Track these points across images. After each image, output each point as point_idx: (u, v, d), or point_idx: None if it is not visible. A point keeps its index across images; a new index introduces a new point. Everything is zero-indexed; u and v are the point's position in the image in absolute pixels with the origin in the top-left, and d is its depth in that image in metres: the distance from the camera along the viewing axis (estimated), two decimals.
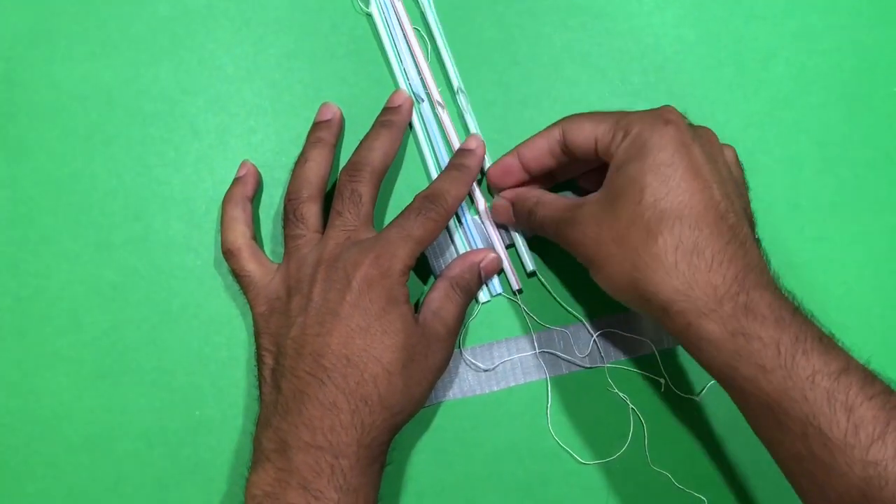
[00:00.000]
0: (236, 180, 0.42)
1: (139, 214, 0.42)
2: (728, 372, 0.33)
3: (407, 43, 0.44)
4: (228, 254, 0.40)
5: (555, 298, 0.43)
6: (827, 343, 0.32)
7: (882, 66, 0.46)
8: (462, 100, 0.44)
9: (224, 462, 0.41)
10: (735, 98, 0.45)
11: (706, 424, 0.43)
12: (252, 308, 0.39)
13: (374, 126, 0.42)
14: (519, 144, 0.41)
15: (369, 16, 0.44)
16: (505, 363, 0.43)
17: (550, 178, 0.43)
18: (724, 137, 0.42)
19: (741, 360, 0.32)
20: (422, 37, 0.44)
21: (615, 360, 0.43)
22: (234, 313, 0.42)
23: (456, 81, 0.44)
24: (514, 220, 0.42)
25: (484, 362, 0.43)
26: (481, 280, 0.42)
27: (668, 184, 0.34)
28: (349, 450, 0.35)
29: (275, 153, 0.43)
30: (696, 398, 0.43)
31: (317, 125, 0.42)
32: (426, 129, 0.44)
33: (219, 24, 0.44)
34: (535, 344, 0.43)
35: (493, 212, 0.43)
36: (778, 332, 0.32)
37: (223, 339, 0.42)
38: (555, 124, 0.40)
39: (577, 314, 0.43)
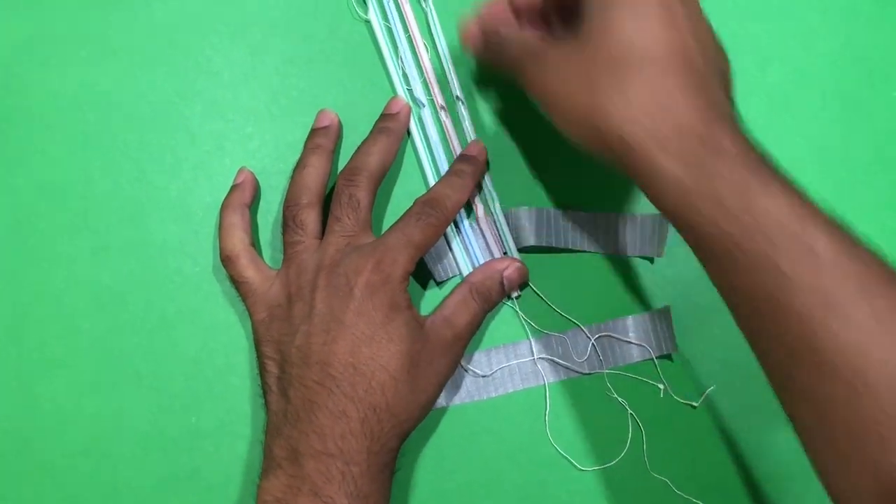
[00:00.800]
0: (234, 187, 0.42)
1: (136, 220, 0.42)
2: (686, 211, 0.31)
3: (412, 46, 0.44)
4: (227, 260, 0.40)
5: (550, 306, 0.43)
6: (793, 185, 0.31)
7: (881, 70, 0.46)
8: (461, 108, 0.43)
9: (221, 469, 0.41)
10: None
11: (705, 430, 0.43)
12: (251, 315, 0.39)
13: (371, 132, 0.42)
14: None
15: (367, 22, 0.44)
16: (503, 369, 0.43)
17: None
18: None
19: (699, 195, 0.31)
20: (422, 44, 0.44)
21: (614, 366, 0.43)
22: (232, 320, 0.42)
23: (455, 89, 0.43)
24: (481, 49, 0.40)
25: (482, 368, 0.43)
26: (504, 289, 0.41)
27: (641, 22, 0.33)
28: (359, 457, 0.35)
29: (272, 159, 0.43)
30: (695, 404, 0.43)
31: (315, 131, 0.42)
32: (425, 134, 0.44)
33: (216, 29, 0.44)
34: (533, 350, 0.43)
35: (462, 36, 0.40)
36: (739, 167, 0.30)
37: (220, 345, 0.42)
38: None
39: (574, 320, 0.43)
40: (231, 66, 0.44)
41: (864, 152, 0.45)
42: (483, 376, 0.43)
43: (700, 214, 0.31)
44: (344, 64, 0.44)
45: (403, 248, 0.37)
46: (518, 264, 0.42)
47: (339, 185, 0.40)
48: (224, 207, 0.41)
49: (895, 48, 0.46)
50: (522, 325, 0.43)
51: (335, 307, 0.37)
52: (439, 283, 0.43)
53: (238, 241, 0.40)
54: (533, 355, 0.43)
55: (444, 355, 0.38)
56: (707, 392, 0.43)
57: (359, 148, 0.41)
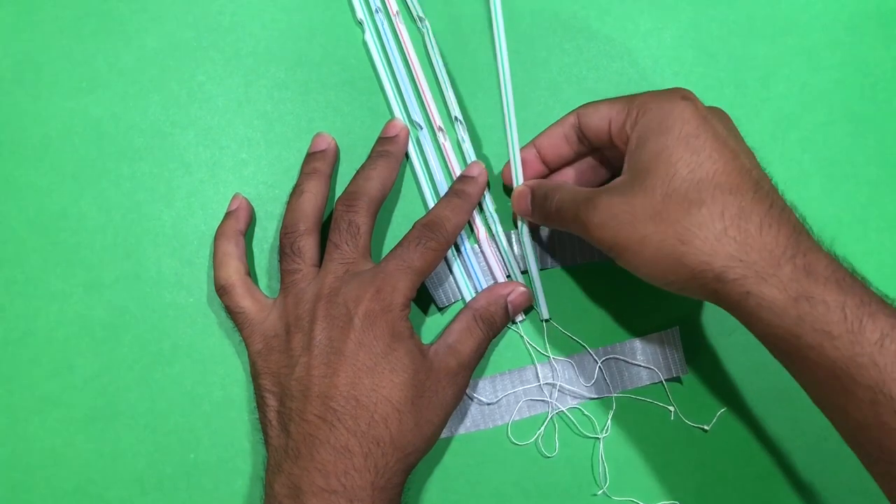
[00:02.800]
0: (228, 214, 0.41)
1: (129, 252, 0.41)
2: (791, 340, 0.31)
3: (408, 68, 0.43)
4: (222, 290, 0.39)
5: (558, 328, 0.42)
6: (891, 305, 0.30)
7: (886, 83, 0.45)
8: (460, 129, 0.43)
9: None
10: (736, 118, 0.44)
11: (717, 454, 0.42)
12: (248, 346, 0.38)
13: (370, 156, 0.41)
14: (534, 138, 0.41)
15: (364, 44, 0.43)
16: (508, 396, 0.42)
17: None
18: None
19: (805, 326, 0.30)
20: (418, 66, 0.44)
21: (622, 390, 0.42)
22: (229, 352, 0.41)
23: (454, 110, 0.43)
24: (530, 210, 0.40)
25: (487, 396, 0.42)
26: (508, 314, 0.40)
27: (699, 154, 0.33)
28: (364, 493, 0.34)
29: (268, 186, 0.42)
30: (707, 428, 0.42)
31: (311, 156, 0.41)
32: (424, 157, 0.43)
33: (208, 56, 0.43)
34: (539, 375, 0.42)
35: (513, 200, 0.41)
36: (842, 294, 0.30)
37: (217, 378, 0.41)
38: (571, 112, 0.39)
39: (581, 342, 0.42)
40: (225, 93, 0.43)
41: (870, 167, 0.45)
42: (488, 404, 0.41)
43: (806, 345, 0.30)
44: (339, 88, 0.43)
45: (403, 275, 0.36)
46: (522, 288, 0.41)
47: (337, 210, 0.39)
48: (218, 236, 0.40)
49: None
50: (528, 350, 0.42)
51: (335, 338, 0.35)
52: (441, 309, 0.42)
53: (233, 270, 0.39)
54: (539, 381, 0.42)
55: (449, 385, 0.37)
56: (718, 415, 0.42)
57: (357, 172, 0.40)
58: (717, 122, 0.34)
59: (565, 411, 0.42)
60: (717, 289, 0.32)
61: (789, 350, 0.31)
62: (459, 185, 0.41)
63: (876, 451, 0.30)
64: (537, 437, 0.41)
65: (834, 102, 0.45)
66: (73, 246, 0.41)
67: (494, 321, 0.40)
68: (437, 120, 0.43)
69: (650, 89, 0.44)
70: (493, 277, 0.42)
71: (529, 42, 0.44)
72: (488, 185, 0.42)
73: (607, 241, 0.35)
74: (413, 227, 0.39)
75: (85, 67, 0.43)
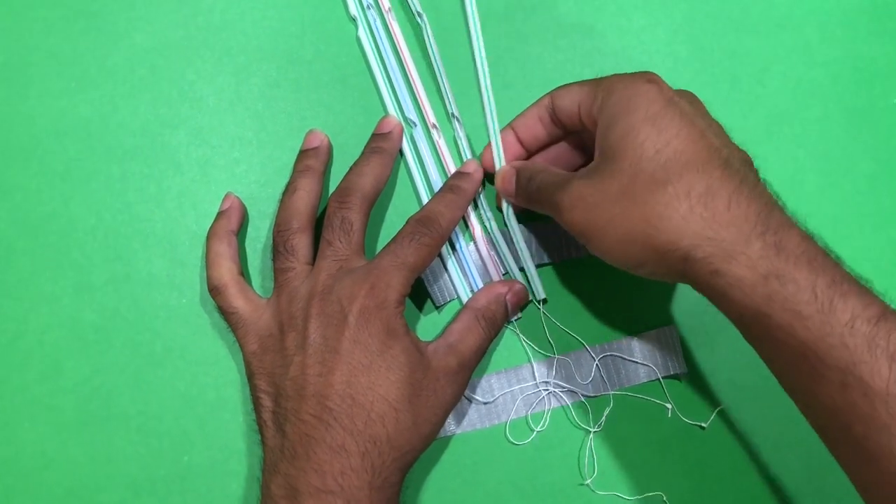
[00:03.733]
0: (220, 214, 0.41)
1: (120, 253, 0.41)
2: (760, 320, 0.30)
3: (401, 64, 0.43)
4: (215, 291, 0.39)
5: (556, 324, 0.42)
6: (862, 286, 0.30)
7: (881, 77, 0.45)
8: (457, 126, 0.42)
9: None
10: (731, 114, 0.44)
11: (715, 452, 0.42)
12: (242, 347, 0.38)
13: (363, 153, 0.41)
14: (514, 119, 0.41)
15: (358, 40, 0.43)
16: (505, 395, 0.41)
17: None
18: None
19: (774, 305, 0.29)
20: (411, 62, 0.43)
21: (619, 387, 0.42)
22: (222, 353, 0.41)
23: (451, 107, 0.42)
24: (514, 191, 0.40)
25: (484, 395, 0.41)
26: (508, 312, 0.40)
27: (665, 133, 0.32)
28: (361, 493, 0.33)
29: (260, 185, 0.42)
30: (704, 425, 0.41)
31: (304, 153, 0.41)
32: (418, 154, 0.42)
33: (199, 54, 0.43)
34: (536, 373, 0.41)
35: (497, 180, 0.41)
36: (813, 273, 0.29)
37: (211, 380, 0.40)
38: (546, 94, 0.39)
39: (579, 339, 0.42)
40: (216, 92, 0.43)
41: (866, 163, 0.44)
42: (485, 403, 0.41)
43: (775, 324, 0.30)
44: (332, 85, 0.43)
45: (397, 271, 0.36)
46: (520, 286, 0.41)
47: (330, 207, 0.38)
48: (210, 236, 0.40)
49: (893, 58, 0.45)
50: (524, 348, 0.42)
51: (329, 336, 0.35)
52: (438, 308, 0.42)
53: (225, 270, 0.39)
54: (535, 379, 0.41)
55: (449, 384, 0.36)
56: (716, 412, 0.41)
57: (351, 169, 0.40)
58: (684, 102, 0.34)
59: (562, 409, 0.41)
60: (685, 269, 0.31)
61: (759, 331, 0.31)
62: (454, 181, 0.41)
63: (843, 435, 0.29)
64: (534, 436, 0.41)
65: (829, 98, 0.45)
66: (62, 247, 0.41)
67: (496, 320, 0.39)
68: (431, 117, 0.42)
69: None
70: (489, 275, 0.42)
71: (523, 39, 0.44)
72: (483, 182, 0.42)
73: (577, 226, 0.34)
74: (407, 222, 0.38)
75: (74, 67, 0.42)
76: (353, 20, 0.43)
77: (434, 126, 0.42)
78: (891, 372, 0.27)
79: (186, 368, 0.40)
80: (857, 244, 0.44)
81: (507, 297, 0.40)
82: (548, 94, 0.39)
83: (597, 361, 0.42)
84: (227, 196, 0.41)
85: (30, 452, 0.39)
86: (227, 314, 0.38)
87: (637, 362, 0.42)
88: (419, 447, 0.36)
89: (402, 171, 0.43)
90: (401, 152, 0.42)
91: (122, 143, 0.42)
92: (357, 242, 0.38)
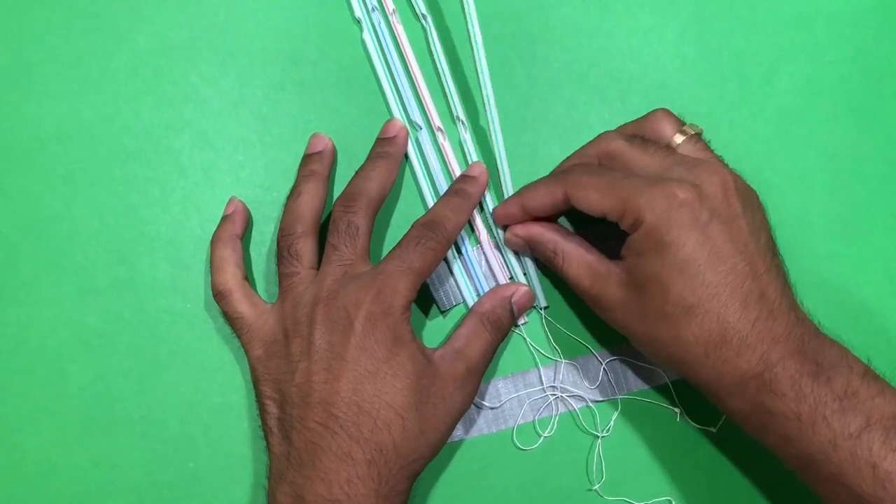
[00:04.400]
0: (224, 219, 0.40)
1: (124, 257, 0.41)
2: (758, 438, 0.35)
3: (406, 67, 0.42)
4: (219, 296, 0.38)
5: (562, 330, 0.41)
6: (848, 402, 0.32)
7: (890, 77, 0.44)
8: (462, 130, 0.42)
9: None
10: (740, 115, 0.44)
11: (724, 456, 0.41)
12: (247, 352, 0.37)
13: (369, 157, 0.40)
14: (523, 189, 0.39)
15: (363, 42, 0.42)
16: (512, 400, 0.41)
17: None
18: (729, 156, 0.41)
19: (767, 431, 0.34)
20: (416, 65, 0.43)
21: (627, 392, 0.41)
22: (227, 357, 0.40)
23: (457, 110, 0.42)
24: (529, 251, 0.41)
25: (490, 400, 0.41)
26: (514, 316, 0.40)
27: (692, 281, 0.33)
28: (367, 502, 0.33)
29: (264, 188, 0.42)
30: (714, 429, 0.41)
31: (308, 157, 0.41)
32: (423, 157, 0.42)
33: (202, 56, 0.42)
34: (543, 378, 0.41)
35: (507, 243, 0.41)
36: (797, 405, 0.32)
37: (216, 384, 0.40)
38: (557, 181, 0.37)
39: (585, 344, 0.41)
40: (219, 94, 0.42)
41: (875, 163, 0.44)
42: (492, 408, 0.41)
43: (771, 443, 0.34)
44: (336, 88, 0.42)
45: (403, 276, 0.36)
46: (525, 289, 0.40)
47: (336, 211, 0.38)
48: (214, 241, 0.40)
49: None
50: (531, 352, 0.41)
51: (335, 343, 0.35)
52: (443, 312, 0.41)
53: (230, 275, 0.38)
54: (542, 384, 0.41)
55: (457, 390, 0.36)
56: (725, 416, 0.41)
57: (357, 173, 0.40)
58: (717, 224, 0.33)
59: (569, 414, 0.41)
60: (696, 387, 0.36)
61: (760, 441, 0.35)
62: (460, 185, 0.40)
63: None
64: (542, 442, 0.41)
65: (838, 98, 0.44)
66: (66, 251, 0.40)
67: (502, 324, 0.39)
68: (437, 120, 0.42)
69: (652, 86, 0.44)
70: (495, 279, 0.41)
71: (530, 38, 0.43)
72: (489, 185, 0.42)
73: (617, 325, 0.37)
74: (412, 226, 0.38)
75: (77, 69, 0.42)
76: (358, 22, 0.43)
77: (439, 129, 0.42)
78: (874, 478, 0.30)
79: (191, 373, 0.40)
80: (867, 245, 0.43)
81: (514, 299, 0.39)
82: (559, 182, 0.37)
83: (604, 365, 0.41)
84: (231, 200, 0.41)
85: (33, 458, 0.39)
86: (231, 319, 0.38)
87: (644, 366, 0.41)
88: (427, 455, 0.35)
89: (407, 175, 0.42)
90: (406, 155, 0.42)
91: (125, 146, 0.41)
92: (362, 247, 0.37)
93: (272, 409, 0.36)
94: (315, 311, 0.35)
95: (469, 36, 0.39)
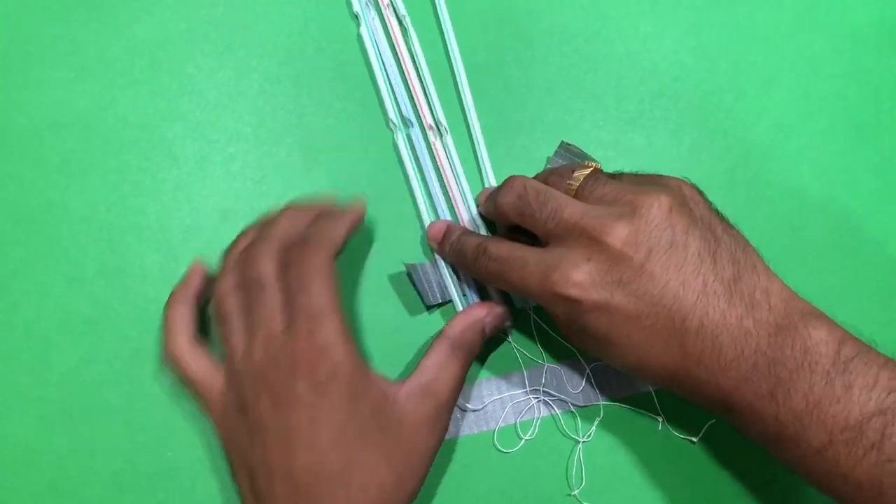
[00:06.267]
0: (183, 278, 0.38)
1: (113, 246, 0.41)
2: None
3: (400, 65, 0.42)
4: (168, 359, 0.36)
5: (549, 332, 0.41)
6: (807, 419, 0.30)
7: (888, 93, 0.44)
8: (444, 133, 0.42)
9: None
10: (735, 126, 0.44)
11: (705, 466, 0.41)
12: (206, 413, 0.35)
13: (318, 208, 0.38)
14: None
15: (359, 37, 0.42)
16: (494, 402, 0.41)
17: None
18: (723, 167, 0.41)
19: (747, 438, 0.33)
20: (409, 63, 0.43)
21: (610, 398, 0.41)
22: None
23: (437, 113, 0.42)
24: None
25: (473, 402, 0.41)
26: (484, 337, 0.38)
27: (622, 349, 0.33)
28: None
29: (255, 181, 0.42)
30: (694, 440, 0.41)
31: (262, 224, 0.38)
32: (415, 155, 0.42)
33: (199, 48, 0.42)
34: (526, 381, 0.41)
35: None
36: (761, 427, 0.31)
37: None
38: (488, 254, 0.36)
39: (571, 347, 0.41)
40: (215, 86, 0.42)
41: (869, 179, 0.44)
42: (474, 410, 0.41)
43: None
44: (332, 82, 0.43)
45: (328, 318, 0.33)
46: (499, 309, 0.39)
47: (230, 279, 0.35)
48: (169, 302, 0.37)
49: None
50: (516, 355, 0.41)
51: (285, 417, 0.32)
52: (429, 309, 0.41)
53: (180, 338, 0.36)
54: (526, 387, 0.41)
55: (430, 432, 0.34)
56: (707, 426, 0.41)
57: (320, 221, 0.37)
58: (620, 294, 0.32)
59: (551, 418, 0.41)
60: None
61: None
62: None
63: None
64: (522, 444, 0.40)
65: (834, 112, 0.44)
66: (56, 238, 0.41)
67: (472, 348, 0.37)
68: (428, 118, 0.42)
69: (648, 94, 0.43)
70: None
71: (528, 42, 0.43)
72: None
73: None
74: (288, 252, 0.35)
75: (73, 57, 0.42)
76: (356, 17, 0.43)
77: (430, 127, 0.42)
78: (847, 486, 0.29)
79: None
80: (858, 261, 0.43)
81: (486, 320, 0.38)
82: (493, 259, 0.36)
83: (588, 370, 0.41)
84: (194, 262, 0.39)
85: (13, 443, 0.39)
86: (183, 384, 0.36)
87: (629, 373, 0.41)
88: (406, 502, 0.34)
89: (397, 174, 0.42)
90: (397, 154, 0.42)
91: (119, 135, 0.41)
92: (278, 299, 0.34)
93: (242, 480, 0.34)
94: (256, 385, 0.33)
95: (445, 39, 0.39)
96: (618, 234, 0.32)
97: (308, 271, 0.34)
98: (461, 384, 0.37)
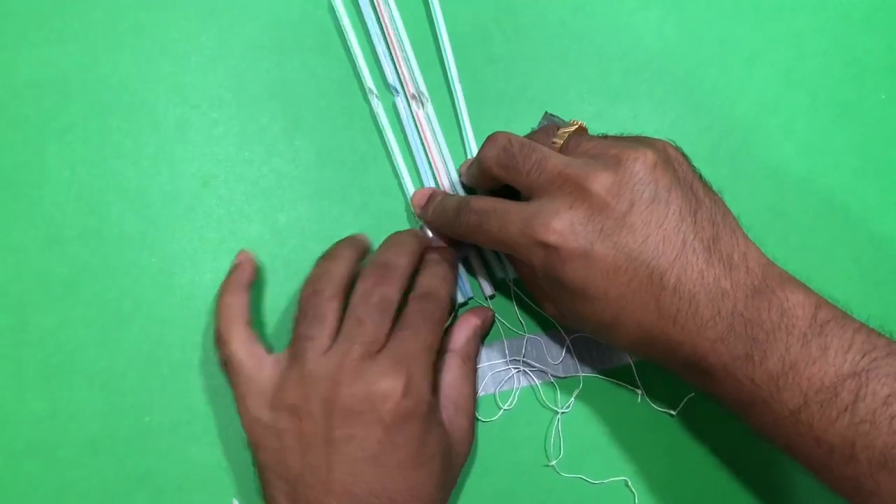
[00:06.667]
0: (233, 268, 0.39)
1: (93, 208, 0.40)
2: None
3: (383, 31, 0.42)
4: (220, 340, 0.36)
5: (530, 302, 0.41)
6: (783, 381, 0.30)
7: (871, 72, 0.44)
8: (425, 103, 0.42)
9: (175, 471, 0.39)
10: (719, 101, 0.44)
11: (683, 439, 0.41)
12: (241, 407, 0.35)
13: (398, 233, 0.39)
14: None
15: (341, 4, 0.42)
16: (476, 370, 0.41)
17: None
18: (706, 142, 0.41)
19: (720, 403, 0.33)
20: (392, 31, 0.43)
21: (590, 370, 0.41)
22: (189, 315, 0.40)
23: (420, 83, 0.42)
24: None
25: None
26: (481, 342, 0.41)
27: (597, 304, 0.32)
28: None
29: (237, 147, 0.41)
30: (673, 413, 0.41)
31: (348, 238, 0.39)
32: (399, 125, 0.42)
33: (183, 11, 0.42)
34: (507, 352, 0.41)
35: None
36: (735, 391, 0.31)
37: (177, 340, 0.40)
38: (470, 208, 0.36)
39: (551, 320, 0.41)
40: (198, 51, 0.42)
41: (851, 157, 0.44)
42: None
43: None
44: (315, 49, 0.42)
45: (424, 359, 0.34)
46: (489, 314, 0.41)
47: (368, 282, 0.35)
48: (222, 289, 0.38)
49: (886, 51, 0.45)
50: (498, 325, 0.41)
51: (359, 437, 0.32)
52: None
53: (234, 321, 0.36)
54: (506, 357, 0.41)
55: (467, 446, 0.37)
56: (686, 399, 0.41)
57: (386, 245, 0.38)
58: (601, 245, 0.31)
59: (531, 389, 0.41)
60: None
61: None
62: (435, 254, 0.39)
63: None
64: (501, 414, 0.40)
65: (818, 89, 0.44)
66: (35, 199, 0.40)
67: (476, 354, 0.40)
68: (411, 87, 0.42)
69: (633, 67, 0.43)
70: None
71: (512, 13, 0.43)
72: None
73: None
74: (410, 301, 0.36)
75: (55, 18, 0.42)
76: None
77: (413, 97, 0.42)
78: (820, 451, 0.29)
79: (152, 328, 0.40)
80: (839, 238, 0.43)
81: (481, 325, 0.40)
82: (474, 210, 0.36)
83: (568, 341, 0.41)
84: (241, 252, 0.40)
85: None
86: (227, 366, 0.36)
87: (609, 345, 0.41)
88: None
89: (379, 143, 0.42)
90: (376, 123, 0.42)
91: (100, 97, 0.41)
92: (389, 325, 0.35)
93: (277, 482, 0.33)
94: (336, 395, 0.33)
95: (430, 8, 0.39)
96: (602, 181, 0.32)
97: (425, 321, 0.35)
98: (476, 391, 0.39)
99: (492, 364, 0.41)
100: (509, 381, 0.41)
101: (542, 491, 0.40)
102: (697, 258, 0.31)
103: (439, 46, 0.42)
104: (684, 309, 0.31)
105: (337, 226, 0.41)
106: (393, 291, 0.35)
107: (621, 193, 0.31)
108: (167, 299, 0.40)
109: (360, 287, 0.35)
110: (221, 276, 0.40)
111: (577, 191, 0.32)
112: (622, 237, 0.31)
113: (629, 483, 0.40)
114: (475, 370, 0.39)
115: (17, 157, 0.40)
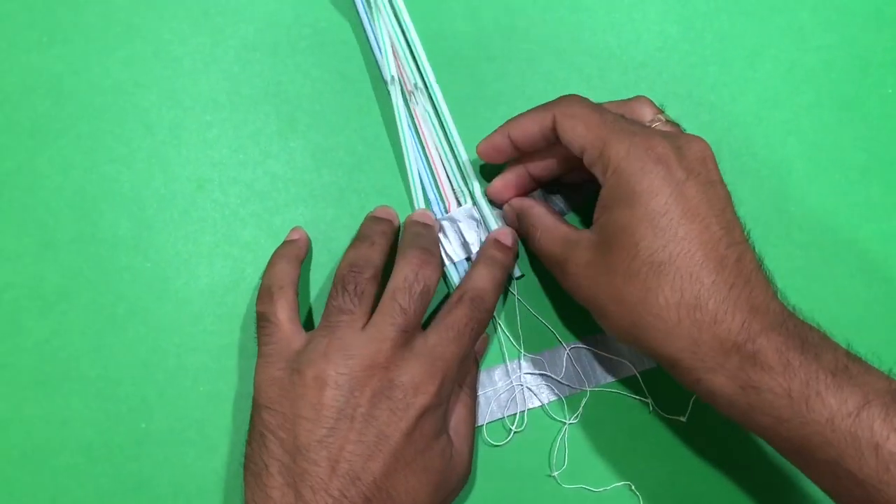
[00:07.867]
0: (288, 241, 0.39)
1: (86, 213, 0.40)
2: (746, 422, 0.32)
3: (382, 28, 0.42)
4: (266, 293, 0.36)
5: (536, 316, 0.40)
6: (841, 377, 0.29)
7: (875, 66, 0.44)
8: (422, 98, 0.41)
9: (172, 479, 0.38)
10: (720, 98, 0.43)
11: (695, 444, 0.40)
12: (261, 365, 0.34)
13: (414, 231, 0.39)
14: (509, 121, 0.37)
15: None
16: (478, 397, 0.40)
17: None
18: (708, 140, 0.40)
19: (756, 411, 0.31)
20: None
21: (597, 384, 0.40)
22: (184, 320, 0.40)
23: (426, 74, 0.41)
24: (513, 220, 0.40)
25: None
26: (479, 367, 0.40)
27: (664, 235, 0.31)
28: None
29: (231, 150, 0.41)
30: (683, 419, 0.40)
31: (378, 219, 0.39)
32: (399, 114, 0.41)
33: (175, 13, 0.42)
34: (510, 373, 0.40)
35: (504, 217, 0.40)
36: (787, 380, 0.30)
37: (172, 346, 0.39)
38: (549, 107, 0.36)
39: (552, 331, 0.40)
40: (191, 53, 0.42)
41: (856, 152, 0.43)
42: None
43: (760, 426, 0.31)
44: (309, 50, 0.42)
45: (460, 363, 0.35)
46: (485, 338, 0.40)
47: (409, 267, 0.35)
48: (276, 256, 0.38)
49: (892, 44, 0.44)
50: (499, 346, 0.40)
51: (383, 421, 0.32)
52: None
53: (284, 281, 0.36)
54: (509, 379, 0.40)
55: (464, 469, 0.36)
56: (692, 402, 0.40)
57: (420, 223, 0.39)
58: (693, 184, 0.32)
59: (539, 409, 0.40)
60: (670, 369, 0.33)
61: (748, 427, 0.32)
62: (493, 251, 0.38)
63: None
64: (510, 439, 0.40)
65: (821, 84, 0.43)
66: (28, 204, 0.40)
67: (477, 380, 0.39)
68: (409, 83, 0.41)
69: (632, 65, 0.43)
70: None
71: (509, 10, 0.43)
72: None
73: (579, 301, 0.35)
74: (461, 300, 0.35)
75: (47, 21, 0.41)
76: None
77: (411, 92, 0.41)
78: (878, 462, 0.28)
79: (148, 333, 0.39)
80: (845, 236, 0.43)
81: (479, 352, 0.40)
82: (550, 108, 0.36)
83: (567, 351, 0.40)
84: (295, 228, 0.40)
85: None
86: (264, 322, 0.35)
87: (613, 358, 0.40)
88: None
89: (375, 143, 0.41)
90: (387, 115, 0.41)
91: (92, 100, 0.41)
92: (423, 314, 0.35)
93: (275, 449, 0.32)
94: (369, 377, 0.33)
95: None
96: (693, 139, 0.34)
97: (471, 334, 0.35)
98: (476, 420, 0.39)
99: (496, 389, 0.40)
100: (514, 403, 0.40)
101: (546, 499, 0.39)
102: (755, 254, 0.33)
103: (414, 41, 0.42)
104: (740, 284, 0.31)
105: (332, 228, 0.41)
106: (435, 279, 0.35)
107: (716, 164, 0.34)
108: (162, 304, 0.40)
109: (403, 270, 0.35)
110: (217, 280, 0.40)
111: (680, 140, 0.34)
112: (712, 193, 0.33)
113: (633, 488, 0.40)
114: (476, 398, 0.39)
115: (8, 163, 0.40)
